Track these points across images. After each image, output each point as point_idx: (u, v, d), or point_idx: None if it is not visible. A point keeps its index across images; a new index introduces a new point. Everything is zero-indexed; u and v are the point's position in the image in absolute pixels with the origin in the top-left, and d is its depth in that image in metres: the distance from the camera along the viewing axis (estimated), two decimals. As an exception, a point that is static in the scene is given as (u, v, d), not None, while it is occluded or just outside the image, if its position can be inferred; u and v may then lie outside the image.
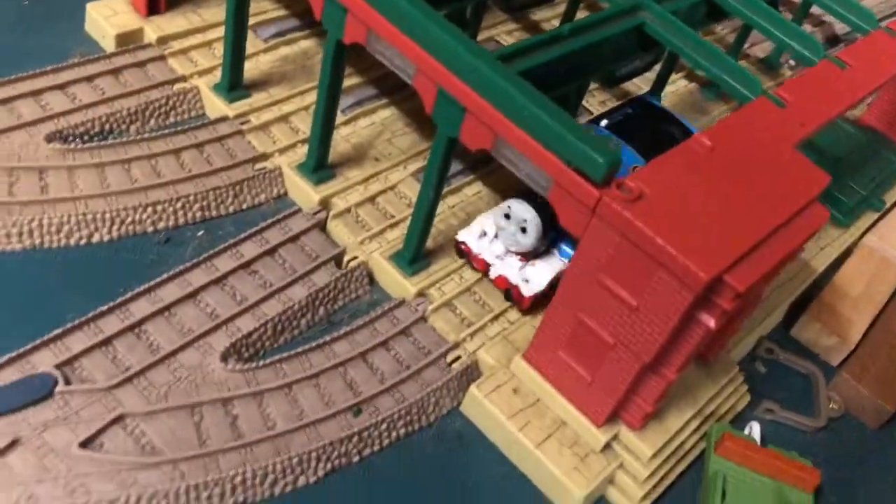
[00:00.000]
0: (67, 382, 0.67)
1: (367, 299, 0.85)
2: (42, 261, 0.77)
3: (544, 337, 0.75)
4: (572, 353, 0.73)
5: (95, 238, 0.80)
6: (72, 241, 0.79)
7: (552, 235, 0.83)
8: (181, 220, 0.84)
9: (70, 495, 0.62)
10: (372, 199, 0.91)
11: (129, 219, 0.82)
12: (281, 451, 0.69)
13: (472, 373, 0.79)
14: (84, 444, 0.64)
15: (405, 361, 0.79)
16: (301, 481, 0.69)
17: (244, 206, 0.88)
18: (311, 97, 0.98)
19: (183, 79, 0.96)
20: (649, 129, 0.91)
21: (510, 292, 0.84)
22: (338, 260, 0.85)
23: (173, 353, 0.72)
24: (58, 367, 0.68)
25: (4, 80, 0.87)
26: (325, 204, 0.89)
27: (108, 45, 0.97)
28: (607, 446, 0.75)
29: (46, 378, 0.67)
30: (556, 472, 0.73)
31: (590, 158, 0.63)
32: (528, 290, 0.83)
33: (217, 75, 0.96)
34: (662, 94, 1.09)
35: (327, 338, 0.78)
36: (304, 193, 0.89)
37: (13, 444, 0.63)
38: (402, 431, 0.75)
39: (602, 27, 0.81)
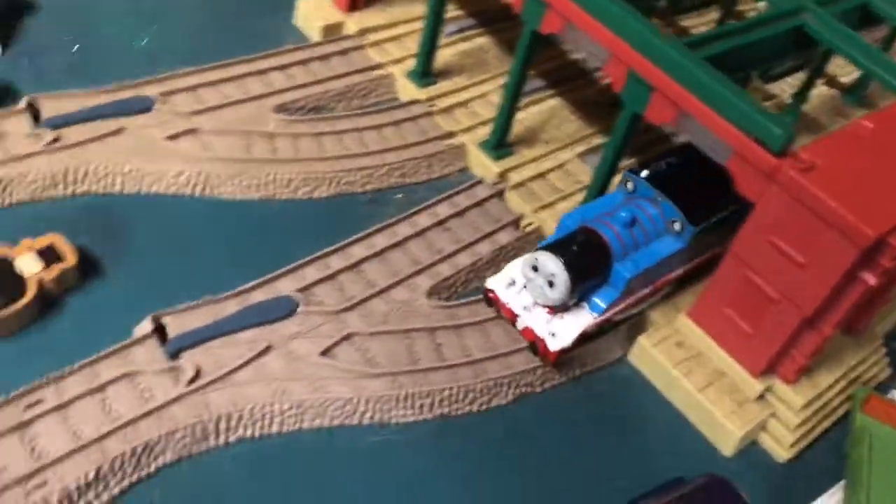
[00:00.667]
0: (305, 305, 0.81)
1: (541, 261, 0.96)
2: (275, 209, 0.92)
3: (711, 296, 0.85)
4: (736, 309, 0.82)
5: (316, 193, 0.94)
6: (297, 195, 0.93)
7: (583, 289, 0.80)
8: (384, 184, 0.98)
9: (314, 392, 0.75)
10: (543, 174, 1.02)
11: (343, 180, 0.95)
12: (479, 375, 0.80)
13: (639, 326, 0.89)
14: (323, 354, 0.77)
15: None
16: (494, 402, 0.81)
17: (434, 176, 1.01)
18: (488, 86, 1.11)
19: (379, 66, 1.09)
20: (693, 181, 0.85)
21: (535, 346, 0.81)
22: (516, 224, 0.97)
23: (387, 288, 0.85)
24: (297, 291, 0.81)
25: (236, 61, 1.03)
26: (503, 177, 1.00)
27: (315, 36, 1.12)
28: (762, 396, 0.84)
29: (290, 300, 0.81)
30: (717, 413, 0.82)
31: (769, 130, 0.73)
32: (555, 345, 0.80)
33: (406, 65, 1.10)
34: (807, 96, 1.16)
35: (511, 288, 0.90)
36: (486, 167, 1.01)
37: (268, 349, 0.76)
38: (578, 371, 0.86)
39: (767, 25, 0.91)
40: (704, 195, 0.84)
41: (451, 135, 1.04)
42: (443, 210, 0.95)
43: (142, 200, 0.88)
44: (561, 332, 0.80)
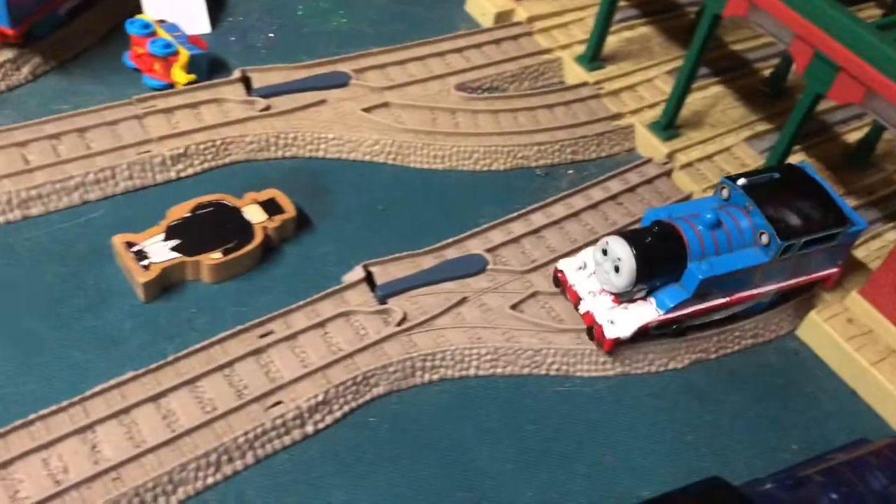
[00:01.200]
0: (494, 264, 0.87)
1: (708, 238, 1.00)
2: (458, 178, 0.98)
3: (884, 274, 0.86)
4: (913, 286, 0.84)
5: (494, 166, 1.00)
6: (477, 167, 1.00)
7: (653, 283, 0.80)
8: (556, 160, 1.03)
9: (506, 342, 0.80)
10: (710, 157, 1.05)
11: (519, 154, 1.01)
12: (658, 338, 0.85)
13: (808, 302, 0.91)
14: (512, 308, 0.83)
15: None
16: (671, 364, 0.85)
17: (603, 154, 1.06)
18: (653, 72, 1.15)
19: (548, 51, 1.15)
20: (790, 198, 0.83)
21: (592, 330, 0.81)
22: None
23: (566, 253, 0.90)
24: (485, 252, 0.87)
25: (418, 43, 1.10)
26: (670, 157, 1.04)
27: (487, 22, 1.19)
28: (935, 375, 0.85)
29: (481, 258, 0.87)
30: (890, 387, 0.84)
31: (964, 109, 0.75)
32: (611, 332, 0.79)
33: (573, 50, 1.15)
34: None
35: (682, 261, 0.94)
36: (654, 147, 1.05)
37: (463, 300, 0.82)
38: (749, 342, 0.89)
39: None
40: (799, 213, 0.82)
41: (619, 116, 1.08)
42: (614, 186, 0.99)
43: (342, 165, 0.96)
44: (621, 321, 0.80)
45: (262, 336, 0.75)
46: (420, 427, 0.74)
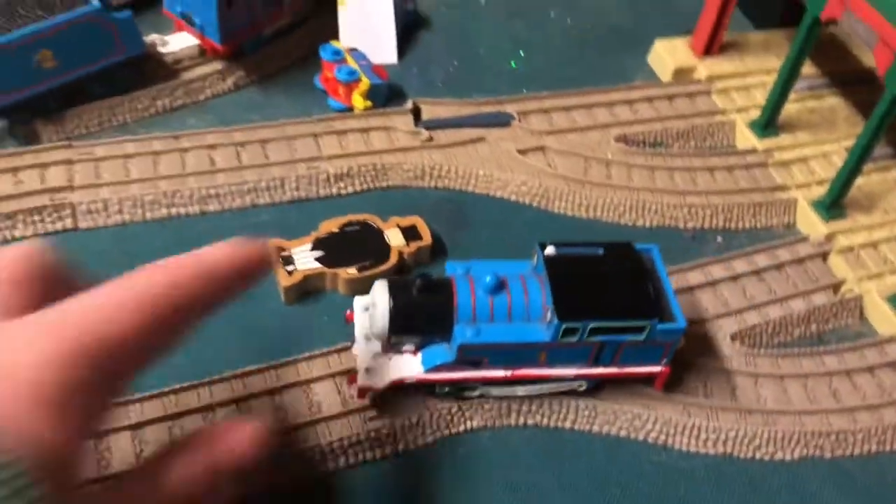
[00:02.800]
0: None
1: (856, 329, 0.94)
2: (599, 229, 0.99)
3: None
4: None
5: (640, 222, 1.00)
6: (622, 220, 1.00)
7: (422, 338, 0.74)
8: (706, 224, 1.01)
9: (607, 400, 0.81)
10: (875, 244, 0.99)
11: (668, 213, 1.01)
12: (768, 424, 0.82)
13: (955, 419, 0.84)
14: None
15: (888, 389, 0.87)
16: (777, 455, 0.81)
17: (757, 226, 1.03)
18: (831, 146, 1.09)
19: (722, 112, 1.13)
20: (600, 279, 0.74)
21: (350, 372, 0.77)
22: (835, 288, 0.96)
23: (692, 323, 0.89)
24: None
25: (588, 90, 1.12)
26: (830, 238, 0.99)
27: (665, 76, 1.19)
28: None
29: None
30: None
31: None
32: (363, 380, 0.75)
33: (749, 114, 1.13)
34: None
35: (818, 349, 0.89)
36: (813, 226, 1.00)
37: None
38: (874, 447, 0.83)
39: None
40: (600, 297, 0.73)
41: (783, 188, 1.04)
42: (761, 260, 0.96)
43: (487, 201, 1.00)
44: (378, 371, 0.75)
45: (378, 352, 0.81)
46: (504, 467, 0.77)
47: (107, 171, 0.93)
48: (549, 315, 0.72)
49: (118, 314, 0.48)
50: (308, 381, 0.78)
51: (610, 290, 0.74)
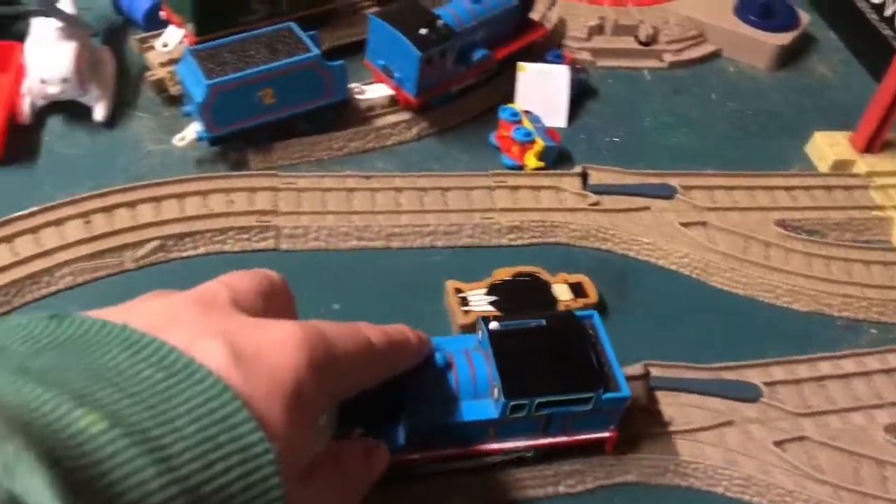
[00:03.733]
0: (768, 398, 0.91)
1: None
2: (754, 307, 1.03)
3: None
4: None
5: (794, 305, 1.03)
6: (777, 302, 1.03)
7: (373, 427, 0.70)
8: (860, 315, 1.04)
9: (761, 473, 0.84)
10: None
11: (823, 300, 1.03)
12: (919, 520, 0.83)
13: None
14: (776, 444, 0.87)
15: None
16: (929, 552, 0.83)
17: (912, 322, 1.04)
18: None
19: (880, 208, 1.16)
20: (543, 351, 0.75)
21: None
22: None
23: (846, 409, 0.91)
24: (763, 384, 0.92)
25: (750, 173, 1.17)
26: None
27: (823, 167, 1.22)
28: None
29: (755, 388, 0.91)
30: None
31: None
32: None
33: (908, 212, 1.15)
34: None
35: (973, 453, 0.90)
36: (972, 330, 1.01)
37: (729, 422, 0.88)
38: None
39: None
40: (544, 370, 0.74)
41: (940, 289, 1.06)
42: (917, 356, 0.98)
43: (648, 268, 1.05)
44: None
45: (543, 398, 0.87)
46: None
47: (307, 200, 1.03)
48: (496, 392, 0.73)
49: (350, 343, 0.56)
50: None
51: (555, 362, 0.75)
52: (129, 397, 0.41)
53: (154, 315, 0.48)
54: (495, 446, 0.78)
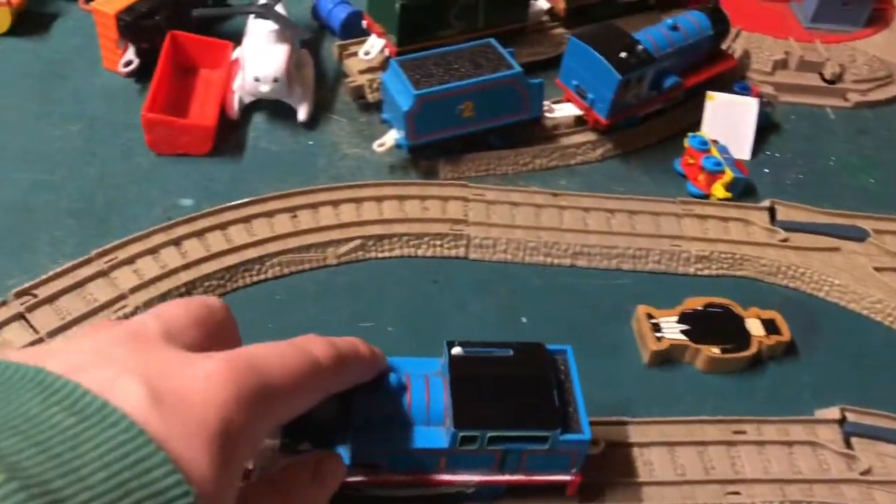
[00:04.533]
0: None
1: None
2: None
3: None
4: None
5: None
6: (975, 358, 1.00)
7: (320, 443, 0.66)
8: None
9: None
10: None
11: None
12: None
13: None
14: (982, 506, 0.83)
15: None
16: None
17: None
18: None
19: None
20: (503, 384, 0.69)
21: None
22: None
23: None
24: (965, 442, 0.88)
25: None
26: None
27: None
28: None
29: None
30: None
31: None
32: None
33: None
34: None
35: None
36: None
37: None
38: None
39: None
40: (497, 403, 0.68)
41: None
42: None
43: (837, 310, 1.03)
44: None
45: (736, 432, 0.86)
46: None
47: (496, 213, 1.05)
48: (448, 421, 0.68)
49: (288, 365, 0.52)
50: (674, 444, 0.84)
51: (513, 395, 0.69)
52: (35, 446, 0.38)
53: (78, 354, 0.45)
54: (446, 478, 0.72)
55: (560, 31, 1.32)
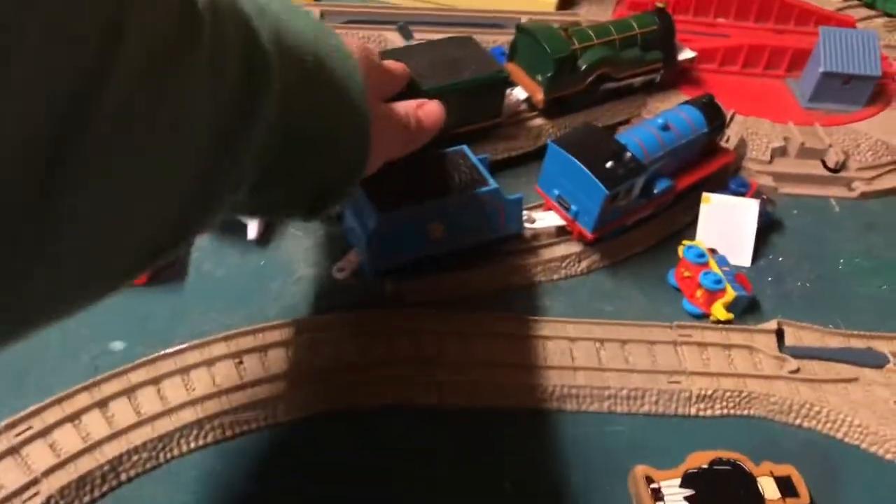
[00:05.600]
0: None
1: None
2: None
3: None
4: None
5: None
6: None
7: None
8: None
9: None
10: None
11: None
12: None
13: None
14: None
15: None
16: None
17: None
18: None
19: None
20: None
21: None
22: None
23: None
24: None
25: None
26: None
27: None
28: None
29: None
30: None
31: None
32: None
33: None
34: None
35: None
36: None
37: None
38: None
39: None
40: None
41: None
42: None
43: (858, 455, 0.91)
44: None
45: None
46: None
47: (469, 347, 0.93)
48: None
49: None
50: None
51: None
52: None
53: None
54: None
55: (539, 122, 1.21)
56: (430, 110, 0.85)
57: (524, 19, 1.43)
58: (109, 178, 0.40)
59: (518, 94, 1.20)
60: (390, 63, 0.86)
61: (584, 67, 1.17)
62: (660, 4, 1.28)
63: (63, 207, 0.38)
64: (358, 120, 0.67)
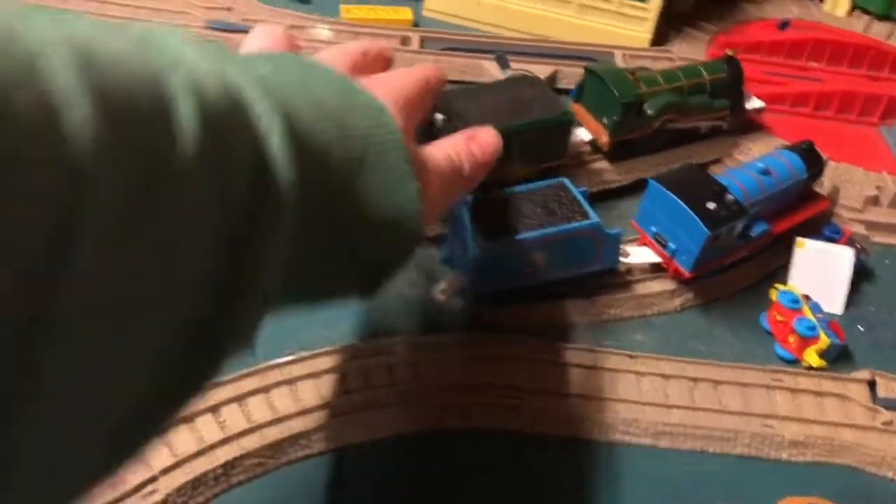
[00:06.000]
0: None
1: None
2: None
3: None
4: None
5: None
6: None
7: None
8: None
9: None
10: None
11: None
12: None
13: None
14: None
15: None
16: None
17: None
18: None
19: None
20: None
21: None
22: None
23: None
24: None
25: None
26: None
27: None
28: None
29: None
30: None
31: None
32: None
33: None
34: None
35: None
36: None
37: None
38: None
39: None
40: None
41: None
42: None
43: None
44: None
45: None
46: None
47: (561, 378, 0.95)
48: None
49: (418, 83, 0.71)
50: None
51: None
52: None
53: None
54: None
55: (602, 164, 1.21)
56: (484, 143, 0.75)
57: (617, 53, 1.45)
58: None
59: (582, 134, 1.20)
60: (418, 72, 0.72)
61: (650, 112, 1.18)
62: (730, 52, 1.28)
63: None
64: (405, 202, 0.61)
